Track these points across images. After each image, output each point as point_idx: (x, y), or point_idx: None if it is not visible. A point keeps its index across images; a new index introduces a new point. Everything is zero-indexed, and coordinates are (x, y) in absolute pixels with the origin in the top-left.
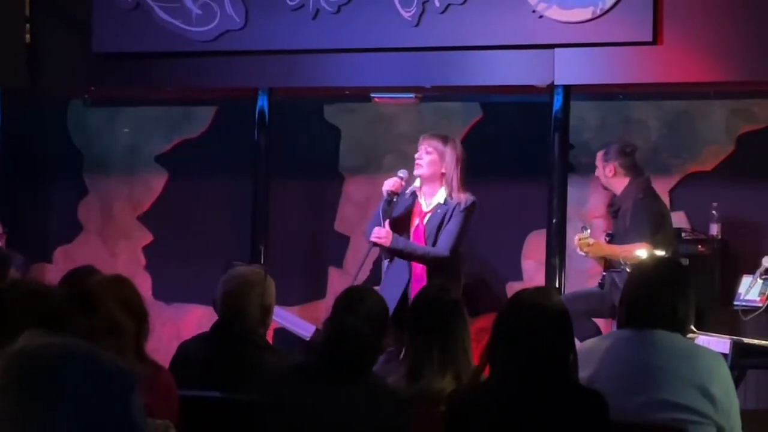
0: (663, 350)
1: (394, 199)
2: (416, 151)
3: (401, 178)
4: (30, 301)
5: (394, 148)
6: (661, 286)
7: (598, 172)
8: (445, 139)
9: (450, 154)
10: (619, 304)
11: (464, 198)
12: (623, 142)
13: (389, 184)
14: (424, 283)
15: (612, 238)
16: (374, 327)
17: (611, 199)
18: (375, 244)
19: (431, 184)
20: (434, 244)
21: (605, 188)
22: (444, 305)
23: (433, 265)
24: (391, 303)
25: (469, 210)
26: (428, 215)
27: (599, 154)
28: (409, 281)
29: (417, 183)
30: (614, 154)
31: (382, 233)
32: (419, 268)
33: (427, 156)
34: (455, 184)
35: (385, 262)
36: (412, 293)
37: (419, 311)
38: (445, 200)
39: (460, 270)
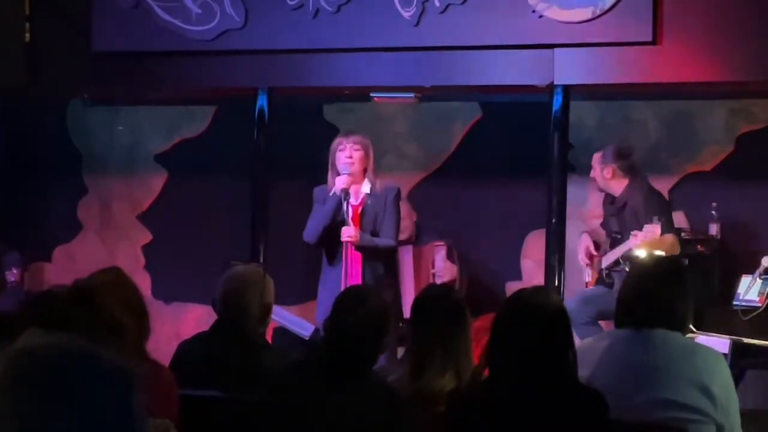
0: (662, 349)
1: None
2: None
3: (349, 175)
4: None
5: (394, 147)
6: (660, 285)
7: (595, 173)
8: (363, 135)
9: (370, 149)
10: (617, 303)
11: (389, 186)
12: (620, 144)
13: (342, 182)
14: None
15: (620, 236)
16: (374, 326)
17: (608, 197)
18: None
19: (357, 179)
20: (372, 233)
21: (601, 190)
22: (448, 305)
23: (380, 260)
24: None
25: (398, 198)
26: (360, 207)
27: (596, 156)
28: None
29: None
30: (612, 156)
31: (352, 232)
32: (353, 272)
33: (357, 153)
34: (373, 173)
35: (324, 267)
36: None
37: (423, 310)
38: (371, 189)
39: (397, 261)
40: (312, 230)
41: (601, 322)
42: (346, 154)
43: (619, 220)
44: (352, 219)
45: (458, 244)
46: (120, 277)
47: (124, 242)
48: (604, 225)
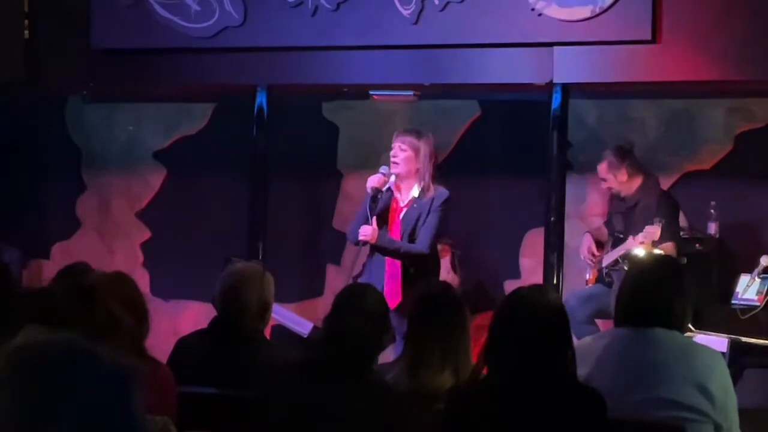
0: (661, 348)
1: (379, 196)
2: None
3: (384, 174)
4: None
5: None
6: (658, 284)
7: (609, 183)
8: (418, 135)
9: (424, 150)
10: (615, 302)
11: (438, 193)
12: (619, 143)
13: (373, 181)
14: (398, 281)
15: (622, 236)
16: (374, 324)
17: (615, 194)
18: (364, 242)
19: (407, 180)
20: (410, 238)
21: (620, 197)
22: (447, 303)
23: (413, 261)
24: None
25: (446, 205)
26: (404, 210)
27: (602, 167)
28: (383, 280)
29: (392, 179)
30: (617, 158)
31: (368, 230)
32: (393, 267)
33: (402, 153)
34: (428, 178)
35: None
36: (386, 292)
37: (422, 308)
38: (420, 195)
39: (439, 265)
40: (351, 230)
41: (599, 322)
42: (392, 153)
43: (626, 219)
44: (394, 223)
45: (456, 243)
46: (120, 275)
47: (122, 239)
48: (607, 223)
